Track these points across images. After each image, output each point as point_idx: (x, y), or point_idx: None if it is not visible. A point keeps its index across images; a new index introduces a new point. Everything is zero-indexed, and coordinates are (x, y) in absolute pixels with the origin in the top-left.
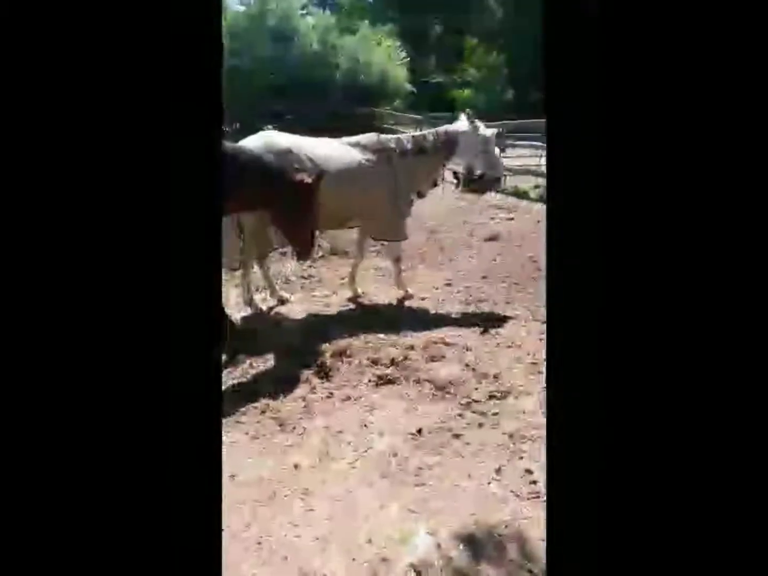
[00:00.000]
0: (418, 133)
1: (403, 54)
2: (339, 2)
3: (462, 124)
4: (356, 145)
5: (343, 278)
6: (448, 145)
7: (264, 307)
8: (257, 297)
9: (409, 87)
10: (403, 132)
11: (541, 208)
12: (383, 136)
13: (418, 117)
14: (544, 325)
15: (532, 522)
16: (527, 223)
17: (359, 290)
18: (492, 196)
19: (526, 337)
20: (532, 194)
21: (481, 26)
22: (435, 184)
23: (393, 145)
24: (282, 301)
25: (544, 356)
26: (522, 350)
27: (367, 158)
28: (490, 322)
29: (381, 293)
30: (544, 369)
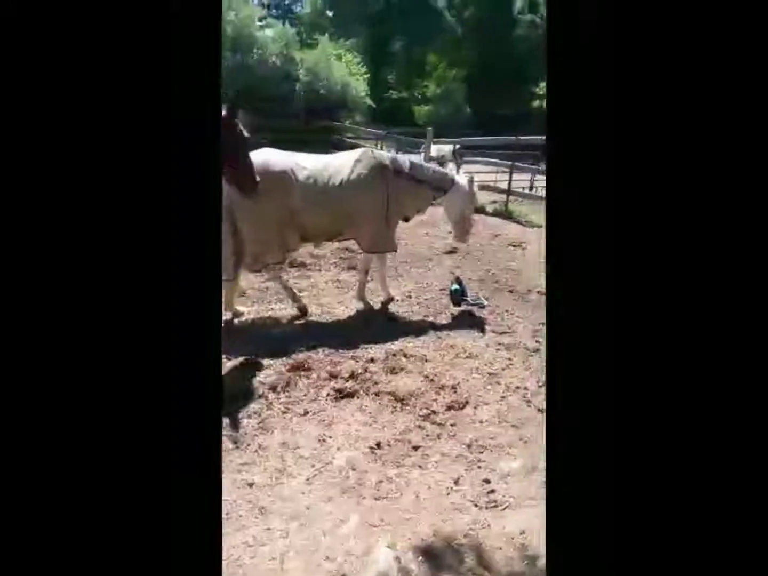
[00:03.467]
0: (422, 163)
1: (364, 68)
2: (299, 15)
3: (463, 177)
4: (351, 159)
5: (300, 291)
6: (441, 187)
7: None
8: None
9: (369, 101)
10: (364, 146)
11: (496, 223)
12: (377, 151)
13: (379, 131)
14: (502, 336)
15: (491, 531)
16: (484, 237)
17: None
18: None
19: (485, 348)
20: (489, 209)
21: (441, 43)
22: (418, 211)
23: (387, 163)
24: (236, 315)
25: (501, 367)
26: (480, 361)
27: (362, 172)
28: (449, 333)
29: (341, 306)
30: (501, 379)
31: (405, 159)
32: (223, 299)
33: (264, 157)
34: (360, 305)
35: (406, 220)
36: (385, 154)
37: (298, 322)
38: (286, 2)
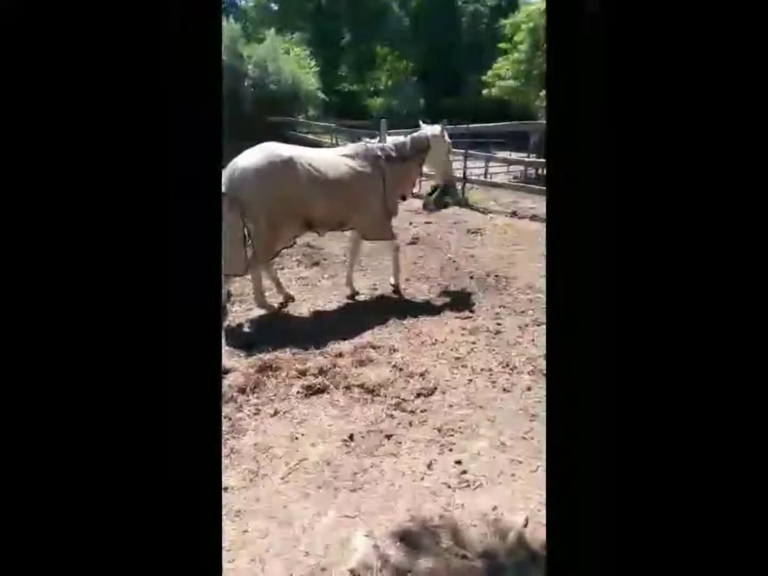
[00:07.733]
0: (400, 140)
1: (313, 62)
2: (245, 10)
3: (432, 128)
4: (349, 152)
5: (265, 289)
6: (422, 150)
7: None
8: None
9: (321, 95)
10: (319, 140)
11: (454, 210)
12: (370, 143)
13: (332, 125)
14: (466, 321)
15: (464, 510)
16: (443, 226)
17: (355, 288)
18: (409, 203)
19: (449, 334)
20: None
21: (389, 34)
22: (413, 186)
23: (379, 153)
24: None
25: (466, 351)
26: (445, 346)
27: (360, 165)
28: (414, 322)
29: (306, 303)
30: (467, 363)
31: (391, 144)
32: (257, 291)
33: (271, 148)
34: (330, 298)
35: (404, 198)
36: (376, 145)
37: (263, 321)
38: None
